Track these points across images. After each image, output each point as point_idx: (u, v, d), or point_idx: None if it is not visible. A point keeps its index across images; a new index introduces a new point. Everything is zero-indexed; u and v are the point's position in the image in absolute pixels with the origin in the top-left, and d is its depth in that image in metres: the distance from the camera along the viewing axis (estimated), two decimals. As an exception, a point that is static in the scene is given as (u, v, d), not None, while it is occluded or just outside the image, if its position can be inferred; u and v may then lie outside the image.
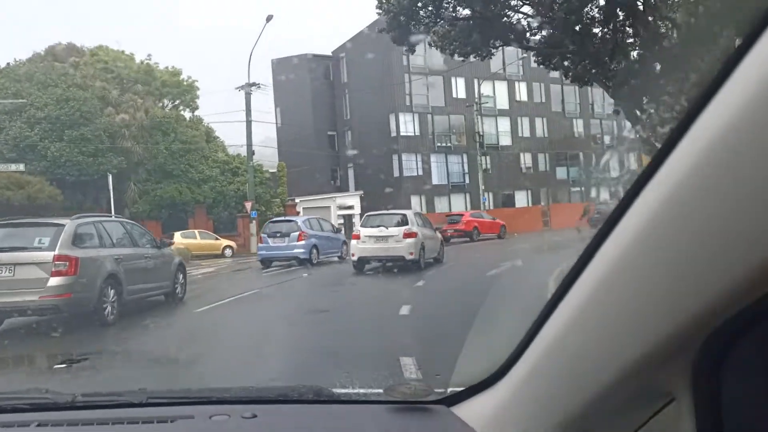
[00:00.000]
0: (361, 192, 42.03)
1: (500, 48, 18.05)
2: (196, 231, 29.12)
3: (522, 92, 48.72)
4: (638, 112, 16.59)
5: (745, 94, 0.61)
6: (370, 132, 44.42)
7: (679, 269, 0.69)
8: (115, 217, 12.83)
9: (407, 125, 43.36)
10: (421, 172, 43.45)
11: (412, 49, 16.99)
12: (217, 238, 29.95)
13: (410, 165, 43.20)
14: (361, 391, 1.96)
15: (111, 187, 26.58)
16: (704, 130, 0.66)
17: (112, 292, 8.96)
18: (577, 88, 51.94)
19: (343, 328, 8.06)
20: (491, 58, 18.82)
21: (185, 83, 36.30)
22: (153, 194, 31.87)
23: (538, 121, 49.42)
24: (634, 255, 0.76)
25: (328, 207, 38.60)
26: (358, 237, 15.90)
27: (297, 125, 45.65)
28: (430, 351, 5.79)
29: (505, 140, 47.51)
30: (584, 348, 0.90)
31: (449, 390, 1.43)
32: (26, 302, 8.28)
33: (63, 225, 8.83)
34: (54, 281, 8.28)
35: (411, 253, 15.23)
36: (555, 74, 50.48)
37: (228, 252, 29.39)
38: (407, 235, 15.38)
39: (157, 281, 10.55)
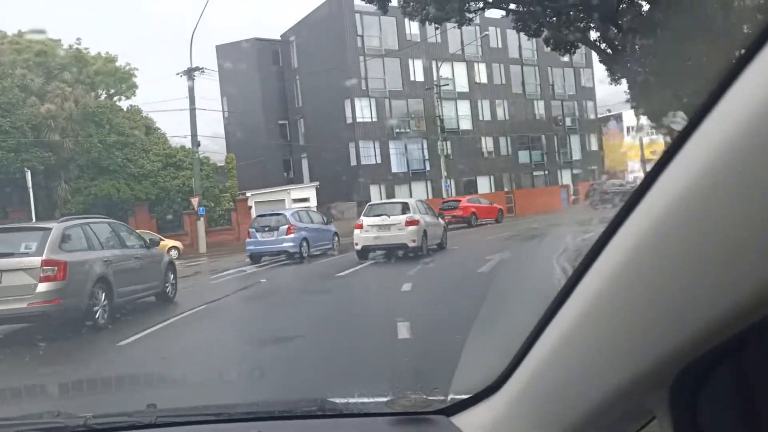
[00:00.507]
0: (317, 183, 39.59)
1: (478, 12, 15.79)
2: (137, 232, 26.09)
3: (481, 74, 46.90)
4: (647, 81, 14.66)
5: (763, 86, 0.57)
6: (324, 119, 41.89)
7: (666, 301, 0.70)
8: (100, 218, 12.12)
9: (363, 111, 40.97)
10: (379, 160, 41.18)
11: (384, 8, 14.71)
12: (161, 239, 26.99)
13: (368, 153, 40.88)
14: (362, 401, 1.68)
15: (30, 184, 23.39)
16: (713, 131, 0.62)
17: (102, 296, 8.82)
18: (537, 68, 50.57)
19: (314, 369, 5.62)
20: (469, 24, 16.62)
21: (122, 70, 33.04)
22: (87, 192, 28.65)
23: (499, 104, 47.70)
24: (623, 282, 0.77)
25: (282, 200, 35.95)
26: (361, 226, 16.05)
27: (245, 115, 42.79)
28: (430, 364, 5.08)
29: (466, 124, 45.64)
30: (574, 366, 0.92)
31: (450, 397, 1.44)
32: (15, 310, 8.05)
33: (50, 228, 8.70)
34: (43, 287, 8.14)
35: (413, 241, 15.39)
36: (514, 54, 49.13)
37: (174, 253, 26.44)
38: (409, 223, 15.55)
39: (147, 282, 10.44)
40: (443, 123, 39.08)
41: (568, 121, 52.21)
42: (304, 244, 18.54)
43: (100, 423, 1.60)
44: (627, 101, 21.26)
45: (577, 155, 52.78)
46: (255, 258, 18.79)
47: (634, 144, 54.23)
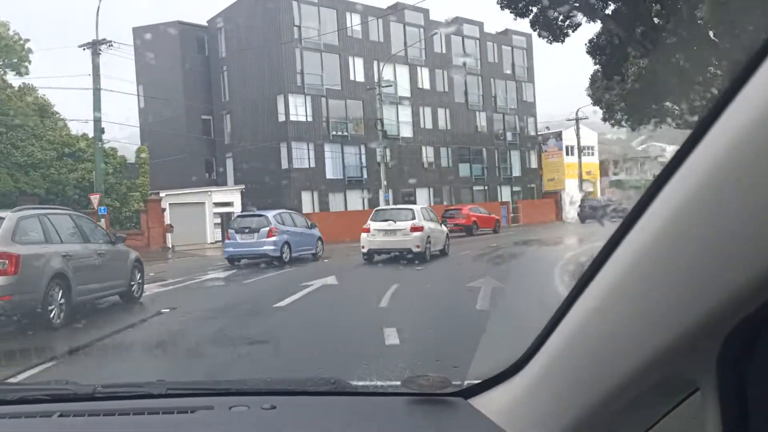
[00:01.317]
0: (243, 186, 35.41)
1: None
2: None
3: (424, 79, 44.04)
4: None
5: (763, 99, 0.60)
6: (253, 116, 37.79)
7: (707, 258, 0.68)
8: (60, 209, 10.93)
9: (298, 109, 37.11)
10: (313, 164, 37.38)
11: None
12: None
13: (301, 155, 37.00)
14: (379, 383, 1.74)
15: None
16: (731, 123, 0.65)
17: (59, 293, 8.22)
18: (480, 78, 48.25)
19: None
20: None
21: (10, 40, 27.87)
22: (-44, 182, 23.46)
23: (441, 112, 44.96)
24: (660, 243, 0.76)
25: (202, 203, 31.61)
26: (368, 230, 16.70)
27: (164, 107, 38.04)
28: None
29: (406, 131, 42.56)
30: (606, 338, 0.89)
31: (466, 382, 1.41)
32: None
33: (2, 218, 8.07)
34: None
35: (417, 246, 16.00)
36: (459, 61, 46.59)
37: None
38: (414, 229, 16.13)
39: (111, 280, 9.85)
40: (384, 128, 35.70)
41: (509, 136, 50.21)
42: (286, 248, 17.67)
43: (108, 392, 1.58)
44: (617, 93, 18.58)
45: (517, 172, 50.84)
46: (233, 261, 18.10)
47: (573, 163, 52.93)
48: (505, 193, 49.35)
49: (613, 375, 0.87)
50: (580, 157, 50.26)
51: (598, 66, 16.94)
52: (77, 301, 8.70)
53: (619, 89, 17.76)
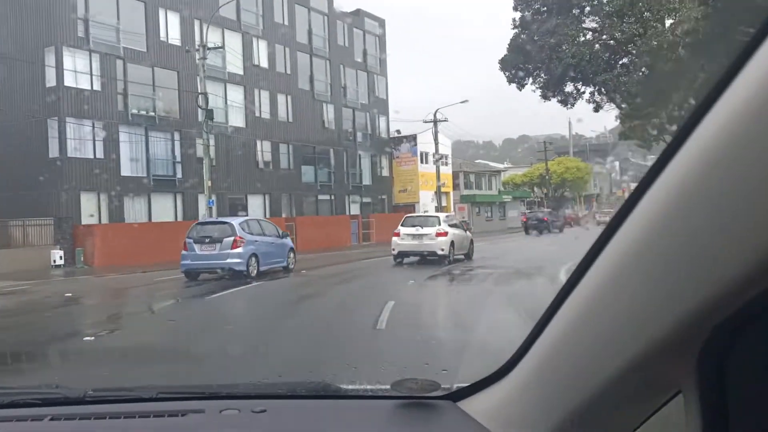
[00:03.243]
0: (-19, 183, 22.79)
1: None
2: None
3: (261, 54, 33.98)
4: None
5: (749, 96, 0.61)
6: (5, 78, 25.10)
7: (686, 261, 0.70)
8: None
9: (78, 71, 25.12)
10: (100, 154, 25.57)
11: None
12: None
13: (82, 138, 25.01)
14: (368, 386, 1.66)
15: None
16: (713, 124, 0.67)
17: None
18: (328, 63, 39.22)
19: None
20: None
21: None
22: None
23: (281, 99, 35.15)
24: (641, 248, 0.78)
25: None
26: (398, 234, 18.75)
27: None
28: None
29: (238, 119, 32.19)
30: (591, 341, 0.92)
31: (455, 385, 1.43)
32: None
33: None
34: None
35: (442, 249, 18.11)
36: (303, 38, 36.43)
37: None
38: (439, 234, 18.26)
39: None
40: (209, 109, 24.99)
41: (359, 136, 41.75)
42: (253, 260, 16.01)
43: (99, 396, 1.57)
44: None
45: (367, 180, 42.50)
46: (191, 275, 16.06)
47: (427, 173, 45.98)
48: (353, 205, 40.74)
49: (597, 378, 0.88)
50: (438, 166, 43.13)
51: None
52: None
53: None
